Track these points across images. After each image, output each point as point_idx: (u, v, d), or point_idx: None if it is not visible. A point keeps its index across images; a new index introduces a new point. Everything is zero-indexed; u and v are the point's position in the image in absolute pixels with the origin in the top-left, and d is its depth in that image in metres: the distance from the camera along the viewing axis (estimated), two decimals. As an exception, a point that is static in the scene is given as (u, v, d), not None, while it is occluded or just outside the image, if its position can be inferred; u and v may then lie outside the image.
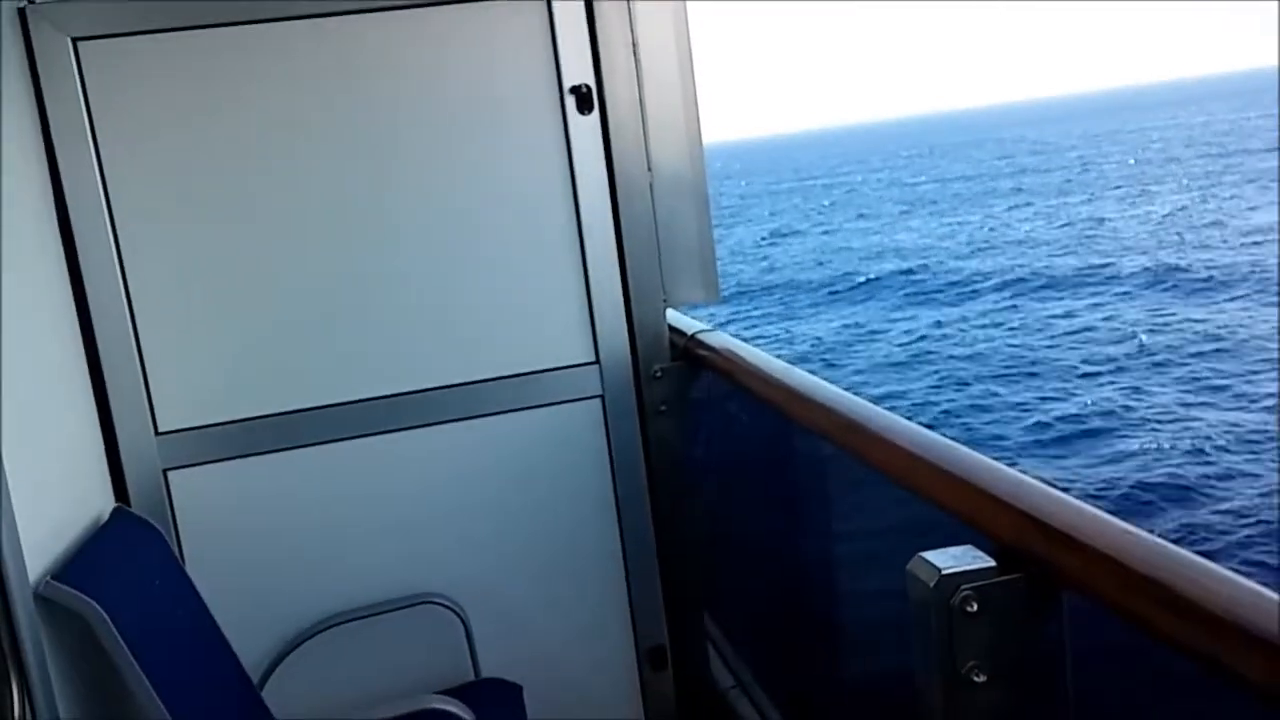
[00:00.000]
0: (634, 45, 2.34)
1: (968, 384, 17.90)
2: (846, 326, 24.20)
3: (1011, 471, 1.23)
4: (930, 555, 1.10)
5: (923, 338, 21.75)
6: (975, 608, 1.06)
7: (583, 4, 2.29)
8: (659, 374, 2.43)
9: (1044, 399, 16.34)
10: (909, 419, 1.57)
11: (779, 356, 2.13)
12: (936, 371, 19.01)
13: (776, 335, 24.17)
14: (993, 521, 1.15)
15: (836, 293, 28.53)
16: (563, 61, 2.29)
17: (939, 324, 22.87)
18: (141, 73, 2.12)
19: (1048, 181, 49.99)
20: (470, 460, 2.37)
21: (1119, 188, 43.78)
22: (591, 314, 2.37)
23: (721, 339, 2.35)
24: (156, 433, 2.19)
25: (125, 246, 2.14)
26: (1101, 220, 34.99)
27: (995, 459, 1.29)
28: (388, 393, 2.30)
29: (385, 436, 2.31)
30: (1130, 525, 1.02)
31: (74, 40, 2.06)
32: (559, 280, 2.36)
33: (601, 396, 2.41)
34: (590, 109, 2.31)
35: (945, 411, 16.50)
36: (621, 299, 2.39)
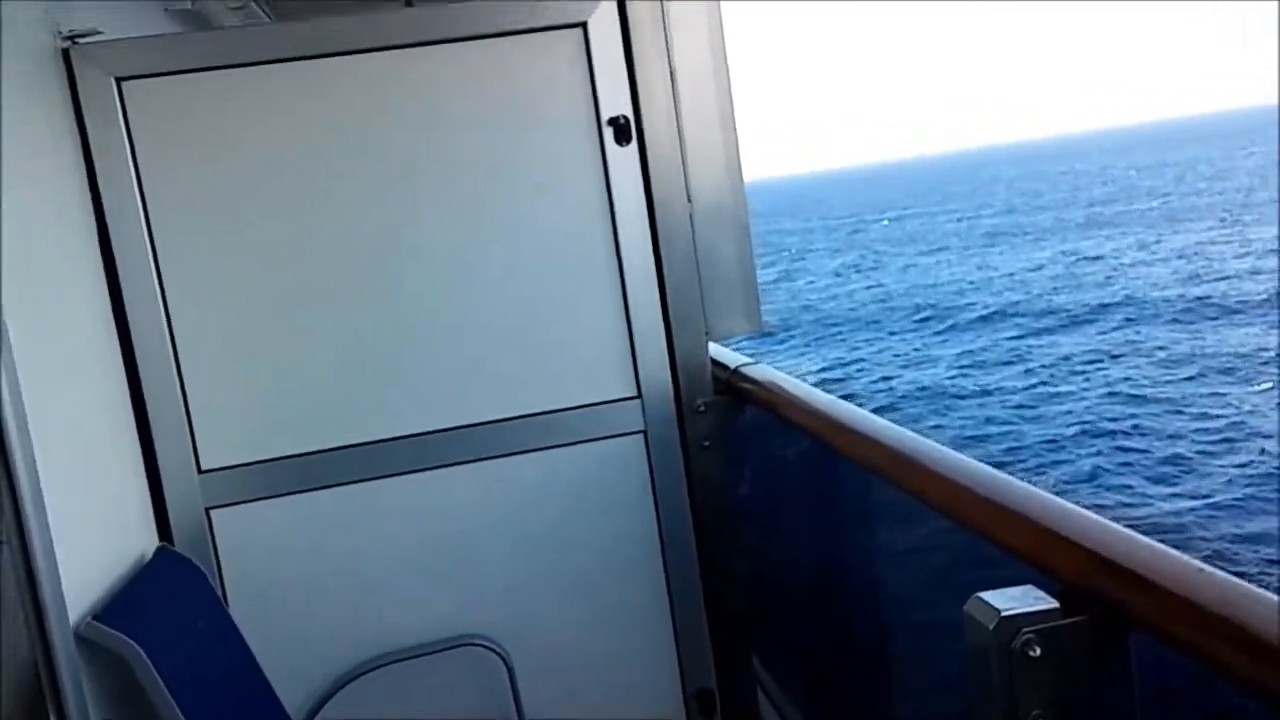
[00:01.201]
0: (672, 76, 2.33)
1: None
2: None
3: (1073, 507, 1.16)
4: (989, 596, 1.04)
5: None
6: (1038, 652, 0.99)
7: (619, 35, 2.28)
8: (702, 408, 2.38)
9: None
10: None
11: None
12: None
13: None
14: (1055, 560, 1.08)
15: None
16: (600, 92, 2.28)
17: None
18: (184, 111, 2.15)
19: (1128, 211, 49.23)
20: (512, 498, 2.34)
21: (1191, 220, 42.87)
22: (633, 348, 2.34)
23: (765, 371, 2.30)
24: (199, 471, 2.19)
25: (169, 285, 2.16)
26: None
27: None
28: (428, 429, 2.28)
29: (427, 474, 2.29)
30: (1202, 563, 0.95)
31: (118, 80, 2.10)
32: (599, 313, 2.33)
33: (644, 432, 2.36)
34: (628, 140, 2.30)
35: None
36: (663, 332, 2.35)
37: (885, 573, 2.03)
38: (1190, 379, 19.40)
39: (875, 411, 1.95)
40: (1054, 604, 1.02)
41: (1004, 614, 1.00)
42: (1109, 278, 31.57)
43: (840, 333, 29.11)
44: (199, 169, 2.17)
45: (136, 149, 2.12)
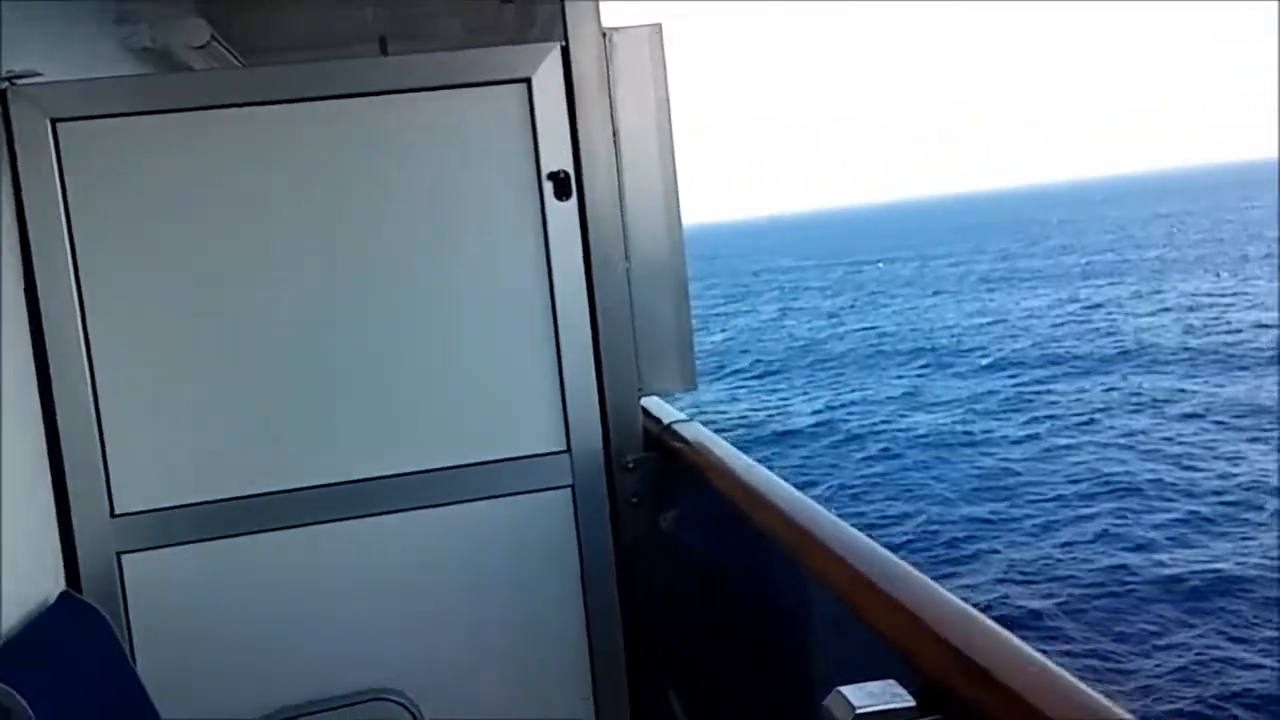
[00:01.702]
0: (615, 133, 2.34)
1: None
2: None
3: (953, 600, 1.14)
4: (848, 691, 1.01)
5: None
6: None
7: (564, 90, 2.29)
8: (631, 464, 2.36)
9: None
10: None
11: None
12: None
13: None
14: (918, 653, 1.06)
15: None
16: (542, 147, 2.29)
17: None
18: (119, 154, 2.14)
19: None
20: (434, 549, 2.30)
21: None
22: (564, 402, 2.32)
23: (695, 431, 2.29)
24: (112, 514, 2.15)
25: (93, 325, 2.13)
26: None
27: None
28: (351, 478, 2.25)
29: (348, 524, 2.26)
30: (1069, 674, 0.93)
31: (53, 121, 2.09)
32: (531, 367, 2.31)
33: (572, 486, 2.34)
34: (568, 195, 2.30)
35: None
36: (595, 387, 2.34)
37: (787, 642, 2.01)
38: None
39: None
40: (911, 702, 1.00)
41: (859, 711, 0.98)
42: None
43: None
44: (131, 211, 2.16)
45: (68, 190, 2.11)
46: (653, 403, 2.56)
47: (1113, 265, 47.73)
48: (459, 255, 2.29)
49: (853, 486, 17.51)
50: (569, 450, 2.33)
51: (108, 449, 2.15)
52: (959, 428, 20.92)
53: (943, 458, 18.81)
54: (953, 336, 32.53)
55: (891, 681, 1.03)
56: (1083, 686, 0.89)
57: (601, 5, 2.36)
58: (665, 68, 2.36)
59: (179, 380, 2.19)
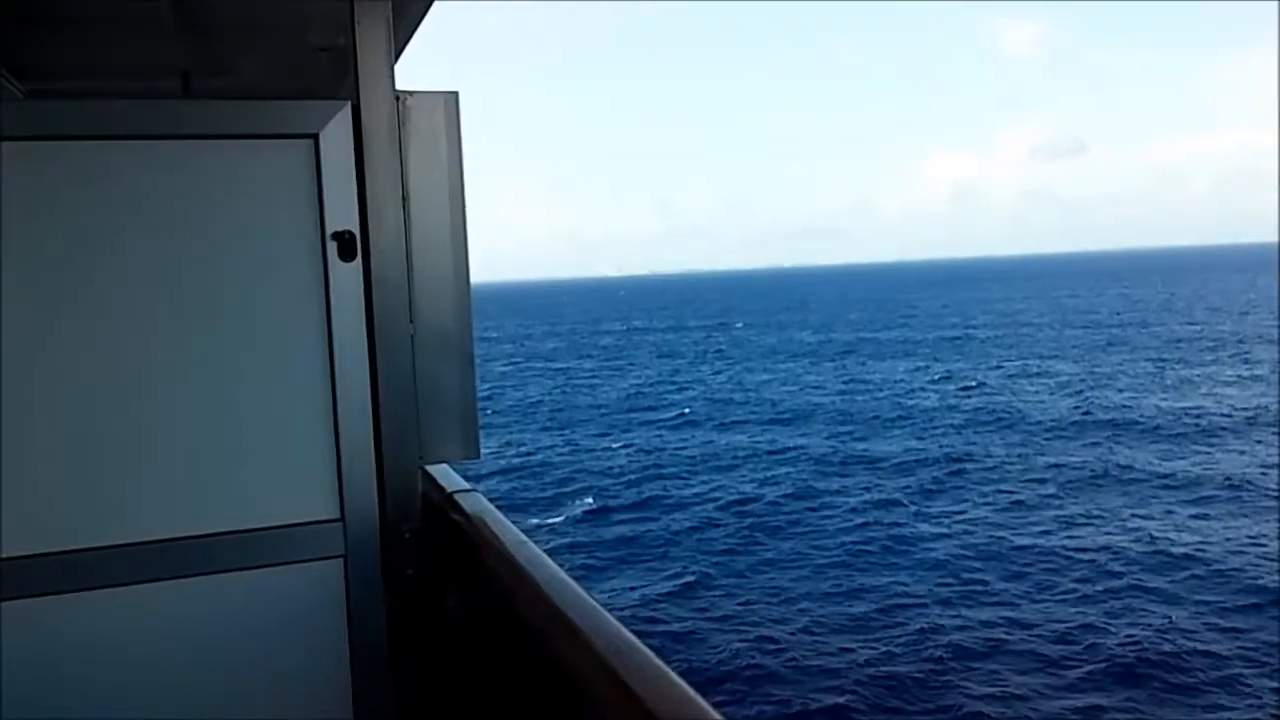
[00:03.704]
0: (405, 197, 2.30)
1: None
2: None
3: (695, 699, 1.17)
4: None
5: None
6: None
7: (352, 149, 2.24)
8: (408, 535, 2.30)
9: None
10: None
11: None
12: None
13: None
14: None
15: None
16: (327, 206, 2.22)
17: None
18: None
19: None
20: (190, 623, 2.16)
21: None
22: (340, 468, 2.24)
23: (475, 502, 2.25)
24: None
25: None
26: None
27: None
28: (97, 544, 2.08)
29: (89, 595, 2.09)
30: None
31: None
32: (304, 431, 2.22)
33: (344, 556, 2.25)
34: (352, 256, 2.24)
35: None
36: (373, 454, 2.26)
37: None
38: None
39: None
40: None
41: None
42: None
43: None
44: None
45: None
46: (441, 469, 2.50)
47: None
48: (236, 311, 2.19)
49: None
50: (342, 519, 2.24)
51: None
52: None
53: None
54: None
55: None
56: None
57: (406, 67, 2.33)
58: (460, 133, 2.35)
59: None
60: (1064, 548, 17.54)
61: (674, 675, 1.29)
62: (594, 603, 1.59)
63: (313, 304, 2.22)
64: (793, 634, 14.13)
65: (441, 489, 2.35)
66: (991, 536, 18.38)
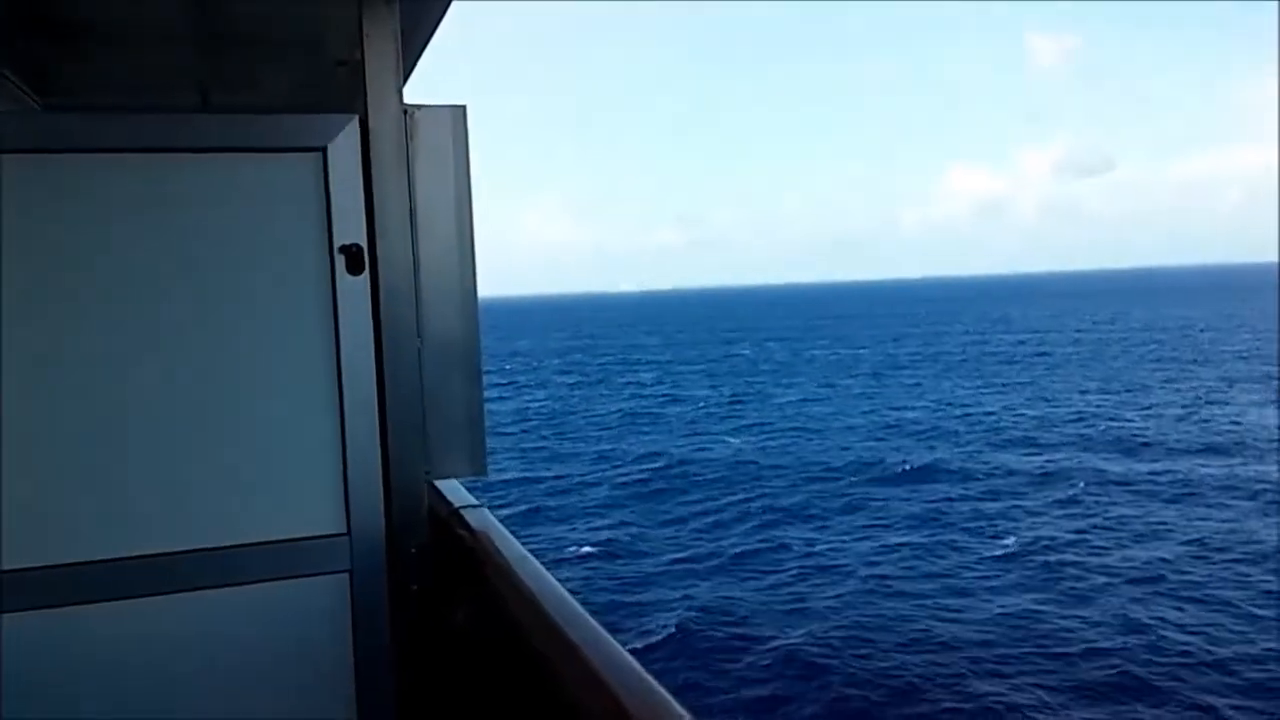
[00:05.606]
0: (412, 210, 2.29)
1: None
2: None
3: None
4: None
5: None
6: None
7: (360, 162, 2.23)
8: (415, 550, 2.28)
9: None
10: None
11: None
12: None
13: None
14: None
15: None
16: (335, 219, 2.22)
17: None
18: None
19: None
20: (194, 638, 2.15)
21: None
22: (346, 483, 2.22)
23: (482, 519, 2.23)
24: None
25: None
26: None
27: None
28: (102, 557, 2.08)
29: (96, 607, 2.08)
30: None
31: None
32: (312, 445, 2.21)
33: (350, 571, 2.24)
34: (360, 270, 2.23)
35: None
36: (380, 469, 2.25)
37: None
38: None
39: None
40: None
41: None
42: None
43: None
44: None
45: None
46: (449, 485, 2.49)
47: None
48: (243, 325, 2.18)
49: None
50: (349, 533, 2.23)
51: None
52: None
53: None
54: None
55: None
56: None
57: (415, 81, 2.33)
58: (467, 147, 2.34)
59: None
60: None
61: (669, 696, 1.27)
62: (594, 622, 1.57)
63: (320, 317, 2.21)
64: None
65: (449, 504, 2.34)
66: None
